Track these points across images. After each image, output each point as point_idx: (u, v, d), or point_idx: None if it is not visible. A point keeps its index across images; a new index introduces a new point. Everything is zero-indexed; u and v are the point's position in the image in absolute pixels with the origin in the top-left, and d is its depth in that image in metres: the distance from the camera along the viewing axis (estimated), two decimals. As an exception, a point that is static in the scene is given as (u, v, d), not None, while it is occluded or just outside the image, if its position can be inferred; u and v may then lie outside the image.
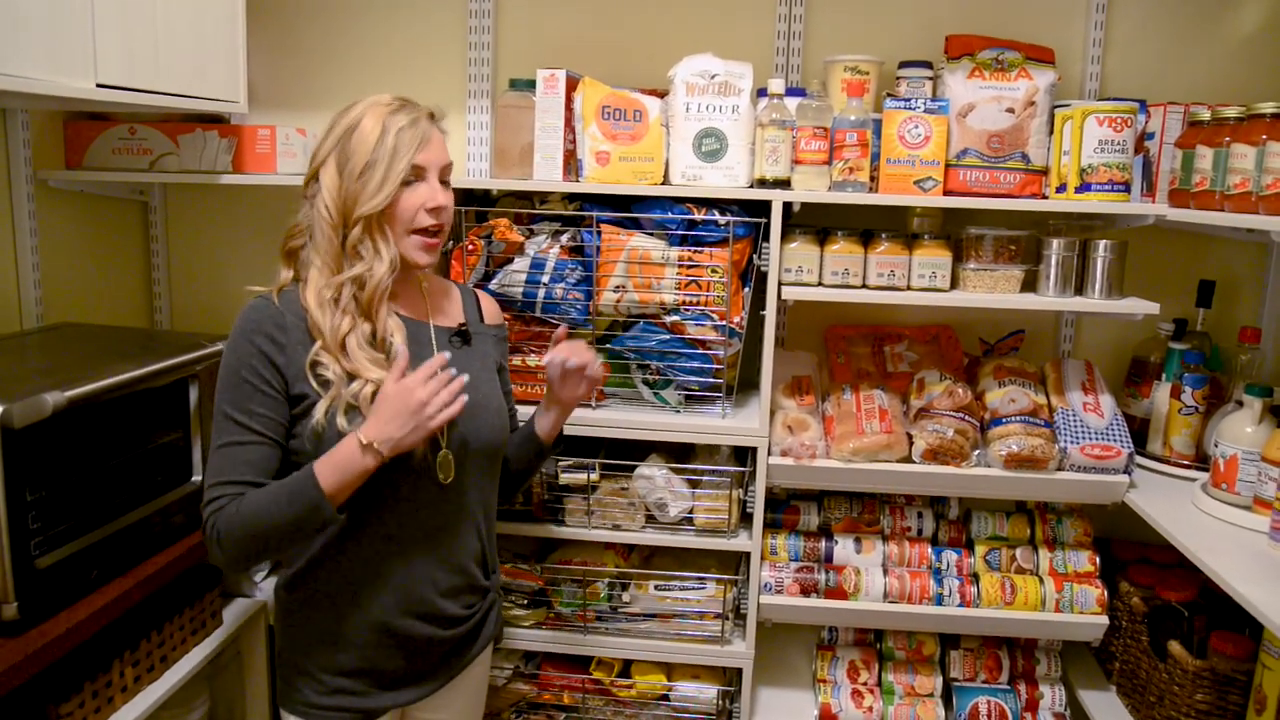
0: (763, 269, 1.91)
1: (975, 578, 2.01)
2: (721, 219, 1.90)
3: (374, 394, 1.37)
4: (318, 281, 1.41)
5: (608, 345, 1.98)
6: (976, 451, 1.93)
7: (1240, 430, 1.75)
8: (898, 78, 2.00)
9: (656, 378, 2.00)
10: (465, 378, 1.38)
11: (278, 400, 1.38)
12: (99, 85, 1.66)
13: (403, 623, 1.46)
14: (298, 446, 1.40)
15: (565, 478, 1.98)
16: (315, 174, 1.44)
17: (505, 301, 1.91)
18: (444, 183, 1.48)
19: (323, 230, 1.41)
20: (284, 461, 1.41)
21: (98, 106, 2.05)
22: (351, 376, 1.38)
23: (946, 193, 1.90)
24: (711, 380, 1.97)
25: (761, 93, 1.96)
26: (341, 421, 1.36)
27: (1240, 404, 1.81)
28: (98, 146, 2.13)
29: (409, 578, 1.46)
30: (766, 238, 1.88)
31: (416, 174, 1.43)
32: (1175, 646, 1.78)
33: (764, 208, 1.87)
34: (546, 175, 1.95)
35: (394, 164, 1.39)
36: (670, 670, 2.12)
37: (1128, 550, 2.14)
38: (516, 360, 1.97)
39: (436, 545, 1.48)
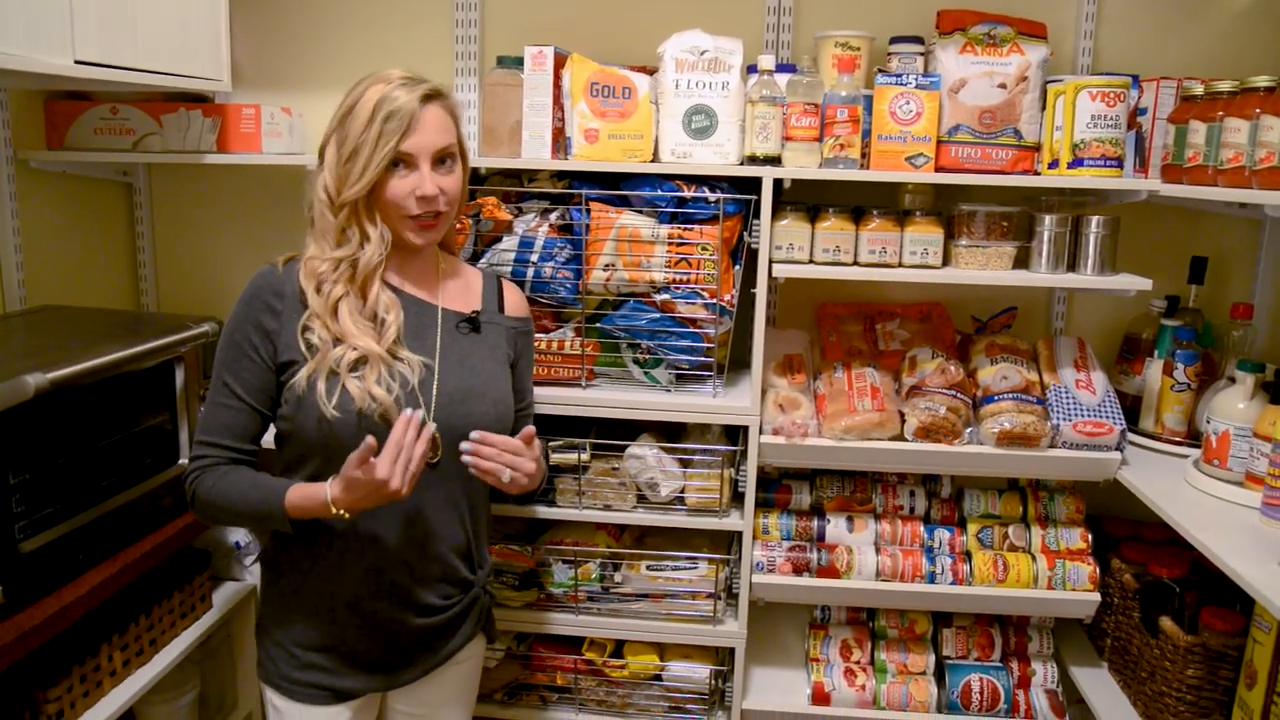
0: (753, 246, 1.89)
1: (968, 555, 2.01)
2: (711, 196, 1.89)
3: (357, 360, 1.38)
4: (313, 255, 1.45)
5: (598, 324, 1.97)
6: (969, 429, 1.92)
7: (1232, 406, 1.75)
8: (889, 53, 1.99)
9: (647, 357, 1.99)
10: (433, 426, 1.38)
11: (264, 368, 1.43)
12: (77, 62, 1.63)
13: (373, 604, 1.46)
14: (284, 412, 1.44)
15: (556, 458, 1.97)
16: (322, 149, 1.46)
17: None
18: (446, 159, 1.46)
19: (320, 208, 1.45)
20: (269, 425, 1.47)
21: (78, 85, 2.02)
22: (338, 341, 1.39)
23: (938, 169, 1.88)
24: (702, 359, 1.96)
25: (752, 69, 1.94)
26: (321, 387, 1.38)
27: (1232, 380, 1.81)
28: (79, 127, 2.10)
29: (382, 560, 1.46)
30: (757, 215, 1.86)
31: (405, 160, 1.42)
32: (1167, 622, 1.78)
33: (754, 185, 1.86)
34: (535, 153, 1.93)
35: (376, 151, 1.39)
36: (663, 650, 2.12)
37: (1120, 527, 2.15)
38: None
39: (414, 530, 1.47)
